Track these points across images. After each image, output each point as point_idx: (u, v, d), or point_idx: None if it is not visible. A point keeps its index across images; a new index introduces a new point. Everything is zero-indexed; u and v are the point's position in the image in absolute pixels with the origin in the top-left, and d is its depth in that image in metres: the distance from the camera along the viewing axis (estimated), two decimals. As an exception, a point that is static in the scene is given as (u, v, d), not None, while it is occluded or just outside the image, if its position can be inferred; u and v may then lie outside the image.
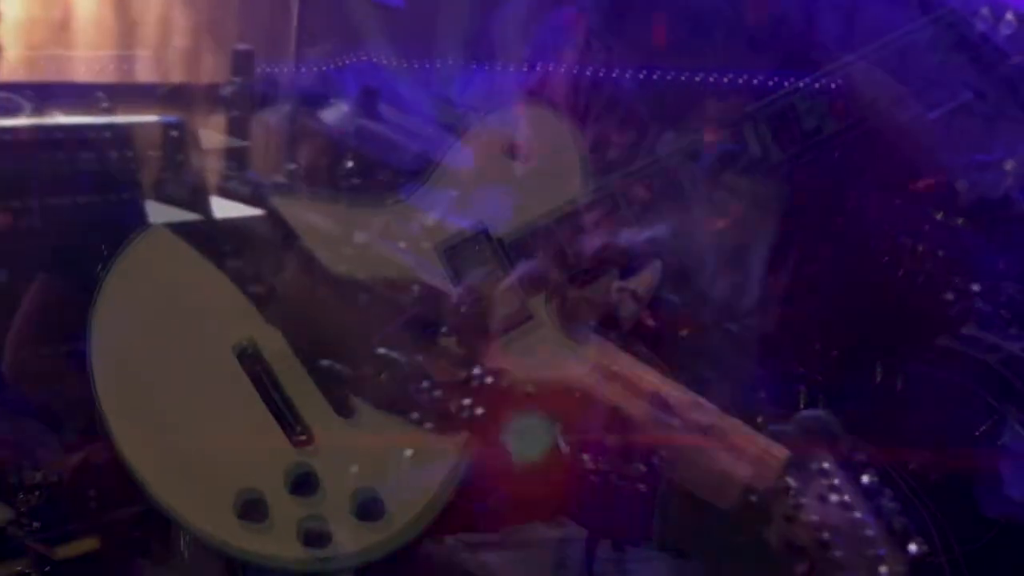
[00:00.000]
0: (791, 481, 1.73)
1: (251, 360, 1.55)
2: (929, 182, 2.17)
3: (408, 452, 1.57)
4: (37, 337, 2.55)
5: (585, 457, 2.08)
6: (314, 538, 1.63)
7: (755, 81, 2.07)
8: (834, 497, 1.70)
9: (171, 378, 1.56)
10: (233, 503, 1.60)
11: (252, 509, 1.61)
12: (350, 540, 1.60)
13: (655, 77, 2.10)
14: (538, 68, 2.60)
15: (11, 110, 2.95)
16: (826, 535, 1.67)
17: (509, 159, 1.70)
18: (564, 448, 2.08)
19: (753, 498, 1.79)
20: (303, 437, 1.57)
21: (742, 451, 1.84)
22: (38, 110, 3.00)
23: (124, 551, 2.59)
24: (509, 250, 1.66)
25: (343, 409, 1.58)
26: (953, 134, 2.62)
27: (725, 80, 2.09)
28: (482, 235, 1.65)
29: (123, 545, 2.60)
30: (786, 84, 2.04)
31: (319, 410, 1.54)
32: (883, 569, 1.62)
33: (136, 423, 1.56)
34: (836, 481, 1.71)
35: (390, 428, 1.56)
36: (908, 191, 2.06)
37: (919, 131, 2.18)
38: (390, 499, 1.61)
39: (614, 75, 2.26)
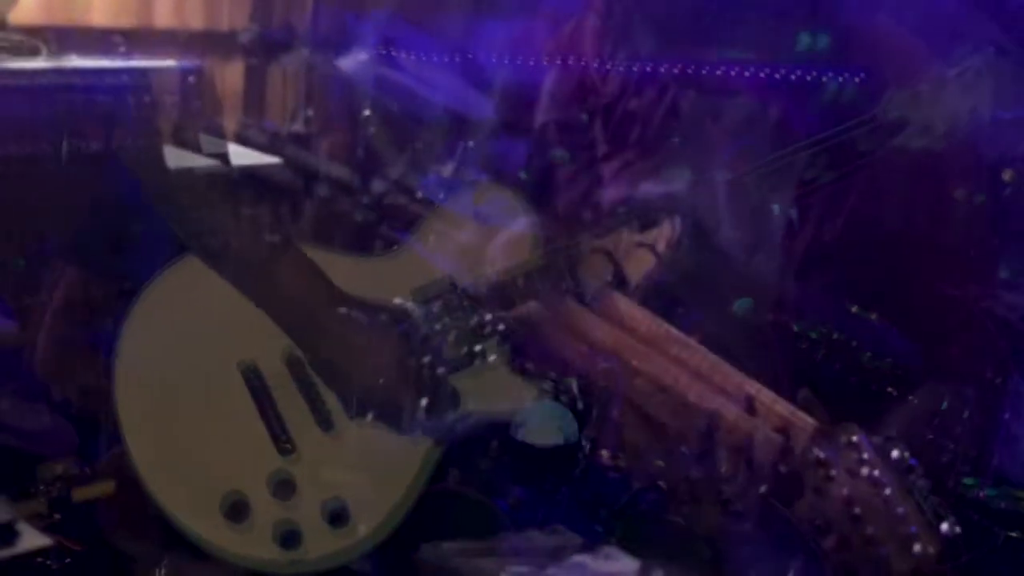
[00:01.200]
0: (821, 453, 1.70)
1: (252, 377, 1.73)
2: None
3: (376, 465, 1.73)
4: (67, 331, 2.58)
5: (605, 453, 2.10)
6: (288, 540, 1.78)
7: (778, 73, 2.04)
8: (864, 471, 1.66)
9: (181, 388, 1.73)
10: (219, 503, 1.77)
11: (236, 510, 1.78)
12: (319, 544, 1.77)
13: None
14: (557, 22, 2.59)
15: (28, 53, 2.95)
16: (857, 510, 1.64)
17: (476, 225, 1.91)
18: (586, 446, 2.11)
19: (783, 468, 1.76)
20: (287, 446, 1.74)
21: (767, 416, 1.82)
22: (55, 54, 3.00)
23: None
24: (469, 297, 1.87)
25: (324, 423, 1.74)
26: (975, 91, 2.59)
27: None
28: (449, 284, 1.85)
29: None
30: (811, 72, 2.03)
31: (304, 424, 1.71)
32: (916, 548, 1.59)
33: (145, 425, 1.71)
34: (866, 455, 1.68)
35: (363, 442, 1.72)
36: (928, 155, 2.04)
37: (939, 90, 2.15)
38: (356, 508, 1.77)
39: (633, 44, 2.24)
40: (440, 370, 1.88)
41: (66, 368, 2.65)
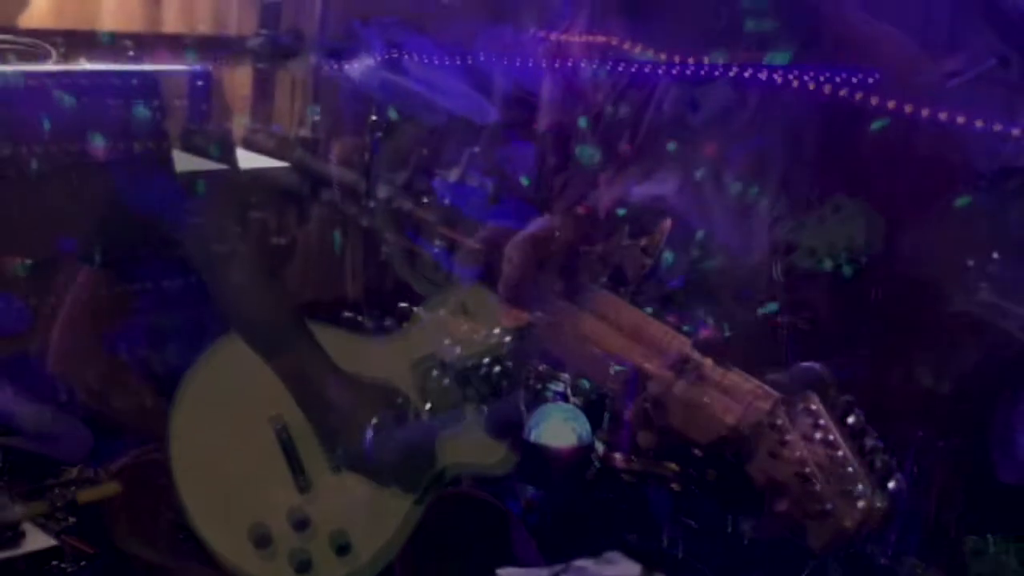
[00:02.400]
0: (778, 419, 1.75)
1: (279, 428, 2.12)
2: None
3: (374, 502, 2.14)
4: (81, 330, 2.68)
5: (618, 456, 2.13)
6: (302, 567, 2.14)
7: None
8: (818, 435, 1.71)
9: (223, 438, 2.14)
10: (247, 532, 2.13)
11: (261, 538, 2.14)
12: (327, 570, 2.14)
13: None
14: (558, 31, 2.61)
15: (39, 57, 2.97)
16: (807, 470, 1.69)
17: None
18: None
19: (739, 433, 1.80)
20: (305, 485, 2.12)
21: (733, 392, 1.86)
22: (65, 57, 3.02)
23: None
24: (456, 373, 2.17)
25: (335, 466, 2.12)
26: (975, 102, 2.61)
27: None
28: (436, 361, 2.17)
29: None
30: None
31: (319, 466, 2.11)
32: (860, 503, 1.63)
33: (193, 469, 2.13)
34: (822, 421, 1.73)
35: (365, 481, 2.13)
36: (926, 163, 2.05)
37: (939, 99, 2.17)
38: (358, 538, 2.14)
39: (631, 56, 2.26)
40: (422, 440, 2.19)
41: (79, 368, 2.68)
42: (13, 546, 2.41)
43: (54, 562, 2.43)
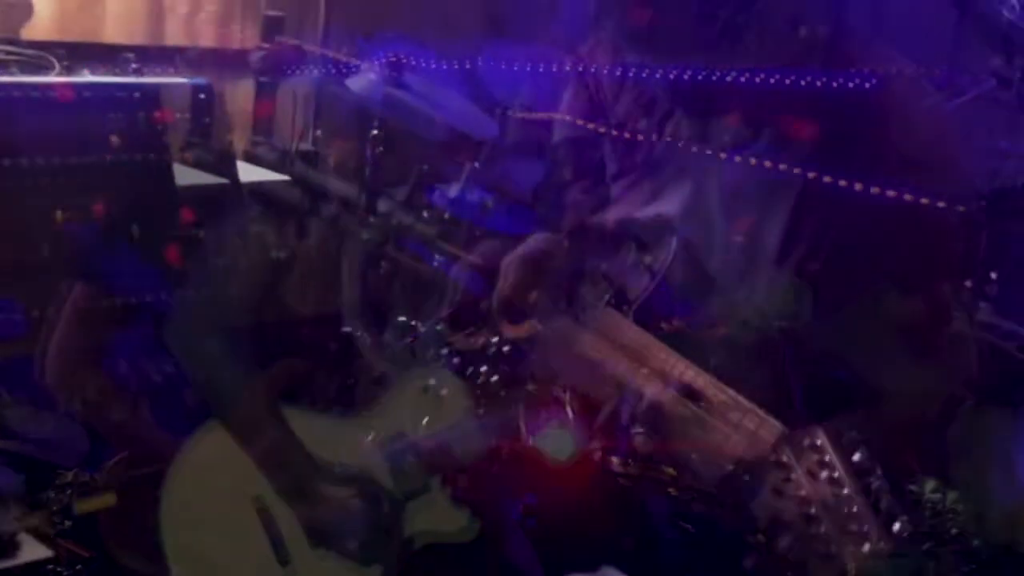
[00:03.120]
0: (783, 456, 1.73)
1: (261, 507, 2.31)
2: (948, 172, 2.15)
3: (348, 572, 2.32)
4: (75, 342, 2.70)
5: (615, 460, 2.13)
6: None
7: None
8: (824, 473, 1.69)
9: (210, 515, 2.35)
10: None
11: None
12: None
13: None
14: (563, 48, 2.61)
15: (41, 68, 2.98)
16: (812, 510, 1.67)
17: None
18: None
19: (743, 471, 1.79)
20: (286, 558, 2.32)
21: (737, 424, 1.84)
22: (68, 69, 3.02)
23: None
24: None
25: (313, 542, 2.32)
26: (975, 122, 2.62)
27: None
28: (405, 440, 2.31)
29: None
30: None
31: (298, 540, 2.31)
32: (866, 546, 1.62)
33: (183, 545, 2.35)
34: (827, 458, 1.70)
35: (339, 556, 2.31)
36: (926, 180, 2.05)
37: (939, 119, 2.17)
38: None
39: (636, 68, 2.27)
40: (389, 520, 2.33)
41: (73, 379, 2.68)
42: (10, 557, 2.41)
43: (50, 567, 2.46)
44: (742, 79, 2.06)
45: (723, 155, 2.14)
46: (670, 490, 2.09)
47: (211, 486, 2.36)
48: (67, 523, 2.56)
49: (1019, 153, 3.06)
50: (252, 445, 2.35)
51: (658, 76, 2.18)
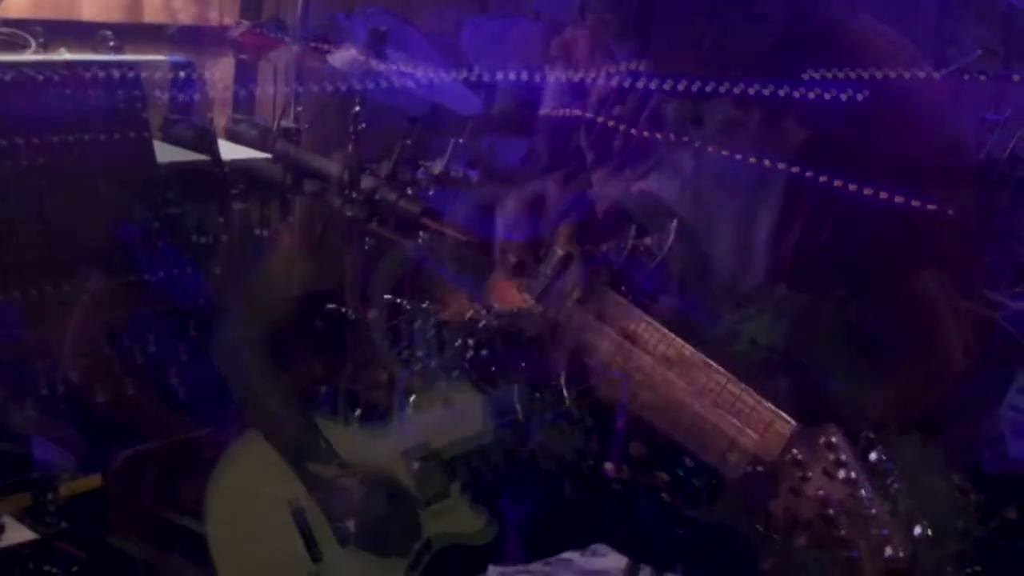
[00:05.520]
0: (798, 453, 1.70)
1: (296, 509, 2.43)
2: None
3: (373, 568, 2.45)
4: (92, 333, 2.77)
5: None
6: None
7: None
8: (841, 473, 1.65)
9: (251, 515, 2.49)
10: None
11: None
12: None
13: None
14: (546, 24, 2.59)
15: (18, 46, 2.94)
16: (831, 511, 1.64)
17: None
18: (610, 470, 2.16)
19: (760, 468, 1.75)
20: (317, 556, 2.43)
21: (749, 418, 1.81)
22: (45, 47, 2.99)
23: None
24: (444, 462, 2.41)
25: (342, 540, 2.43)
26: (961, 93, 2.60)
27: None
28: (426, 450, 2.40)
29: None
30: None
31: (329, 541, 2.43)
32: (887, 551, 1.59)
33: (227, 544, 2.49)
34: (843, 457, 1.66)
35: (365, 554, 2.45)
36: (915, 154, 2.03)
37: (927, 89, 2.15)
38: None
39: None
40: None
41: (75, 363, 2.70)
42: (-8, 539, 2.41)
43: (45, 567, 2.50)
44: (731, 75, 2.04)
45: (710, 144, 2.11)
46: (663, 495, 2.08)
47: (252, 488, 2.52)
48: (63, 524, 2.58)
49: (1004, 124, 3.05)
50: (288, 452, 2.49)
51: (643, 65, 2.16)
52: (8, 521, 2.46)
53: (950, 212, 1.98)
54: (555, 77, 2.46)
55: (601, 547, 2.41)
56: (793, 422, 1.76)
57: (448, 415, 2.44)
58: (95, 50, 3.05)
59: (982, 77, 2.81)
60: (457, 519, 2.44)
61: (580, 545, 2.52)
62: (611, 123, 2.30)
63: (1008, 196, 2.87)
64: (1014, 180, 3.03)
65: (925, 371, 2.09)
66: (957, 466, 2.07)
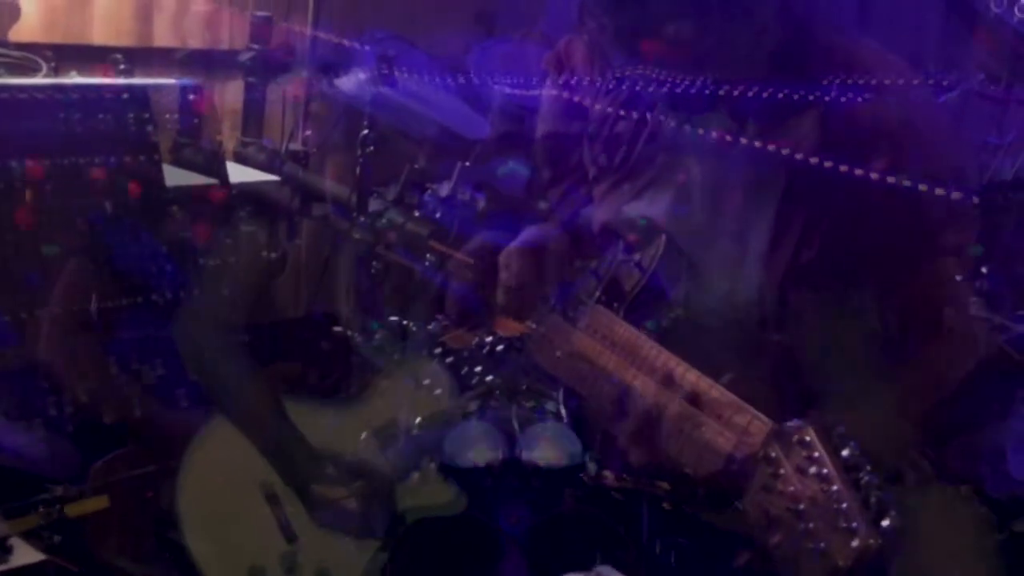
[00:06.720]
0: (772, 452, 1.73)
1: (268, 489, 2.49)
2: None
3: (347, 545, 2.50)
4: (68, 322, 2.74)
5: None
6: None
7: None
8: (813, 469, 1.69)
9: (223, 496, 2.51)
10: (246, 573, 2.51)
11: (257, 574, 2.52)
12: None
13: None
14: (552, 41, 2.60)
15: (29, 70, 2.97)
16: (801, 506, 1.67)
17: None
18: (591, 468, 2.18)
19: (733, 467, 1.78)
20: (291, 534, 2.48)
21: (728, 420, 1.84)
22: (56, 70, 3.01)
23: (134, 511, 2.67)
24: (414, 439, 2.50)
25: (315, 518, 2.49)
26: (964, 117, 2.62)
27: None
28: (396, 427, 2.48)
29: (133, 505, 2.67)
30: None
31: (301, 518, 2.49)
32: (855, 542, 1.61)
33: (198, 523, 2.50)
34: (816, 454, 1.70)
35: (339, 532, 2.50)
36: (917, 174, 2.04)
37: (929, 113, 2.16)
38: (338, 572, 2.54)
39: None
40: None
41: (71, 366, 2.70)
42: (1, 561, 2.41)
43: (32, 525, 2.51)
44: (727, 81, 2.05)
45: (707, 154, 2.13)
46: (665, 504, 2.09)
47: (223, 470, 2.51)
48: (56, 538, 2.57)
49: (1007, 148, 3.06)
50: (259, 439, 2.51)
51: (640, 74, 2.17)
52: (15, 542, 2.47)
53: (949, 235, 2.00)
54: (550, 91, 2.48)
55: (607, 569, 2.42)
56: (770, 422, 1.79)
57: (415, 391, 2.50)
58: (105, 74, 3.07)
59: (985, 100, 2.83)
60: (428, 493, 2.47)
61: (583, 567, 2.51)
62: (613, 134, 2.32)
63: (1012, 219, 2.88)
64: (1017, 203, 3.03)
65: (927, 378, 2.11)
66: (965, 479, 2.09)
